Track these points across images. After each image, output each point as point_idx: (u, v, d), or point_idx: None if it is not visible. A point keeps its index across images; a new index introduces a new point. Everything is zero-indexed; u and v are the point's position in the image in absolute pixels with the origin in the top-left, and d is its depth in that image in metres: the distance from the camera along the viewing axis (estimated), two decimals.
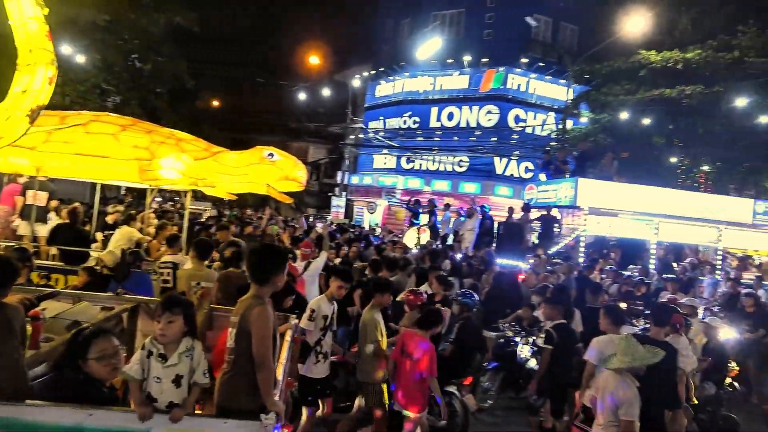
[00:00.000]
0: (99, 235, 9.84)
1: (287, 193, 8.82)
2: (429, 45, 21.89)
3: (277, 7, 48.47)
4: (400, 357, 5.28)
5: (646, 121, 20.69)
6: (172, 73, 21.94)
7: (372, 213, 30.10)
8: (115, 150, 7.58)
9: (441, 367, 5.36)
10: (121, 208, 10.89)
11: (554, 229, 14.02)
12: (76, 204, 10.47)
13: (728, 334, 8.47)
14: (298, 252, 8.47)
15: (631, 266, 12.58)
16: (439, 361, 5.44)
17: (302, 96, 35.65)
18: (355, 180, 35.61)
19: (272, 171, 8.22)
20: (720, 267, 14.66)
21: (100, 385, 3.18)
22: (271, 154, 8.24)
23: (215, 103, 39.66)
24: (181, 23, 21.34)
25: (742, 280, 13.01)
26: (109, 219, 10.19)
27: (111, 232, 9.44)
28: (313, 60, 30.27)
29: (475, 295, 6.49)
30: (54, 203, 9.94)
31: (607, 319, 5.39)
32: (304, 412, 5.35)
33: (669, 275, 11.93)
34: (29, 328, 3.54)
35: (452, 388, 6.12)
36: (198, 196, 24.82)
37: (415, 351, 5.12)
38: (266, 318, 3.23)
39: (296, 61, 38.36)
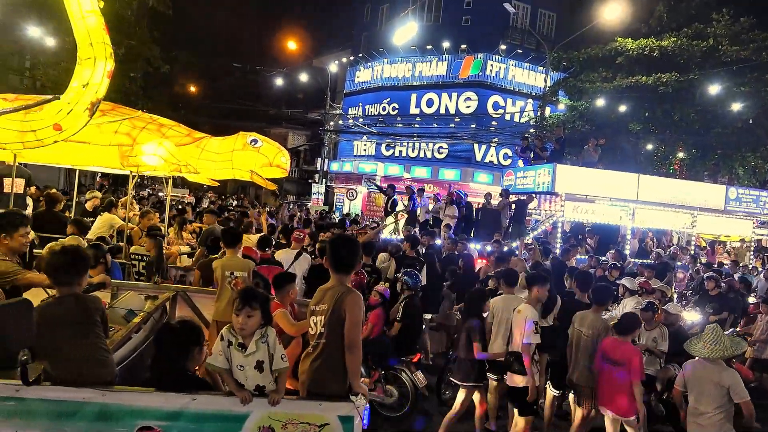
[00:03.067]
0: None
1: (270, 180, 8.84)
2: (405, 30, 21.78)
3: None
4: (602, 364, 5.16)
5: (623, 108, 20.97)
6: (146, 57, 21.48)
7: (352, 200, 30.08)
8: (96, 136, 7.42)
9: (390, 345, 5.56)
10: (98, 194, 10.69)
11: (526, 215, 14.16)
12: (53, 189, 10.27)
13: (692, 317, 8.74)
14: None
15: (610, 252, 12.80)
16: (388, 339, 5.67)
17: (281, 82, 35.31)
18: (335, 167, 35.44)
19: (256, 157, 8.20)
20: (693, 252, 15.01)
21: (200, 378, 3.43)
22: (254, 141, 8.21)
23: (192, 89, 39.04)
24: (154, 6, 20.91)
25: (716, 266, 13.31)
26: (89, 206, 10.00)
27: (91, 219, 9.30)
28: (291, 45, 29.95)
29: (419, 276, 6.67)
30: (32, 190, 9.72)
31: (576, 284, 6.20)
32: (523, 421, 5.30)
33: (645, 261, 12.19)
34: None
35: (401, 366, 6.24)
36: (177, 183, 24.44)
37: (622, 357, 5.00)
38: (361, 304, 3.47)
39: (274, 46, 38.02)
